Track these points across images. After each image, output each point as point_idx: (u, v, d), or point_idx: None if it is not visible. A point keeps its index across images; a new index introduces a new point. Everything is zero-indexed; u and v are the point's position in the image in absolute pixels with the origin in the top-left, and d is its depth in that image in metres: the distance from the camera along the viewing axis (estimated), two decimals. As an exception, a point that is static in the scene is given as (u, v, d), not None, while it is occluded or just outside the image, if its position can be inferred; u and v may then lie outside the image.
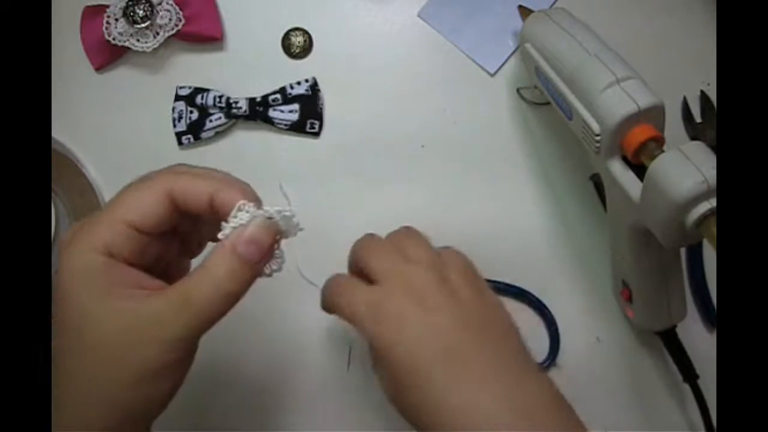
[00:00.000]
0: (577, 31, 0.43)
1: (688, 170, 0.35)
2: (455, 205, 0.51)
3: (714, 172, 0.35)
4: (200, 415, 0.48)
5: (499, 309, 0.38)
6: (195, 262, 0.39)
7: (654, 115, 0.39)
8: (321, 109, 0.52)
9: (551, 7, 0.52)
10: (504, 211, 0.51)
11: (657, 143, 0.38)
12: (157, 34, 0.51)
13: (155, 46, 0.52)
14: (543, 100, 0.49)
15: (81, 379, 0.32)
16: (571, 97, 0.42)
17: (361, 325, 0.37)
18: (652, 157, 0.37)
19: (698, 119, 0.52)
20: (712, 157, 0.36)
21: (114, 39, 0.51)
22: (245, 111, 0.51)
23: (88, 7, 0.53)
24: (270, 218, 0.33)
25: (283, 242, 0.34)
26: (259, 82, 0.52)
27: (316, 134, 0.52)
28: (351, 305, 0.37)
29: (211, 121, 0.51)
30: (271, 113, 0.51)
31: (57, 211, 0.49)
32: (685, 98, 0.52)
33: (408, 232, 0.41)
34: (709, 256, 0.50)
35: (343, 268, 0.41)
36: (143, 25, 0.51)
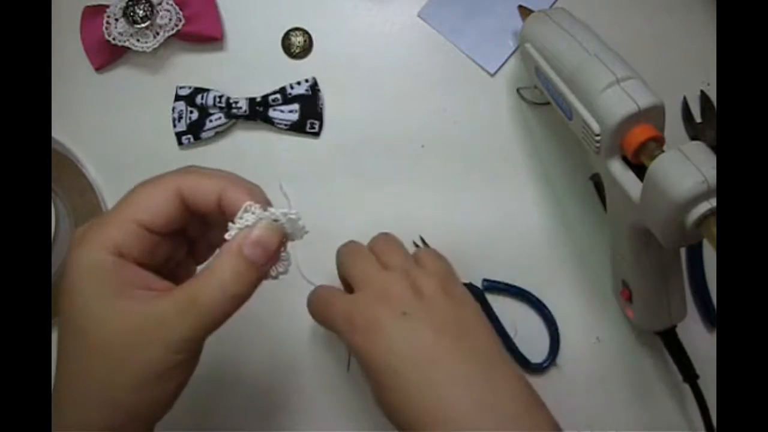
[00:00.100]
0: (577, 31, 0.43)
1: (688, 170, 0.35)
2: (455, 205, 0.51)
3: (714, 172, 0.35)
4: (202, 416, 0.48)
5: (474, 313, 0.39)
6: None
7: (654, 115, 0.39)
8: (321, 109, 0.52)
9: (551, 7, 0.52)
10: (504, 211, 0.51)
11: (657, 143, 0.38)
12: (157, 34, 0.51)
13: (155, 46, 0.52)
14: (543, 100, 0.49)
15: (83, 379, 0.32)
16: (571, 97, 0.42)
17: (341, 336, 0.38)
18: (652, 157, 0.37)
19: (698, 119, 0.52)
20: (712, 157, 0.36)
21: (114, 39, 0.51)
22: (245, 111, 0.51)
23: (88, 7, 0.53)
24: (276, 221, 0.33)
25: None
26: (259, 82, 0.52)
27: (316, 134, 0.52)
28: (331, 318, 0.39)
29: (211, 121, 0.51)
30: (271, 113, 0.51)
31: (57, 211, 0.49)
32: (685, 98, 0.52)
33: (386, 238, 0.43)
34: (709, 256, 0.50)
35: (343, 268, 0.42)
36: (143, 25, 0.51)
